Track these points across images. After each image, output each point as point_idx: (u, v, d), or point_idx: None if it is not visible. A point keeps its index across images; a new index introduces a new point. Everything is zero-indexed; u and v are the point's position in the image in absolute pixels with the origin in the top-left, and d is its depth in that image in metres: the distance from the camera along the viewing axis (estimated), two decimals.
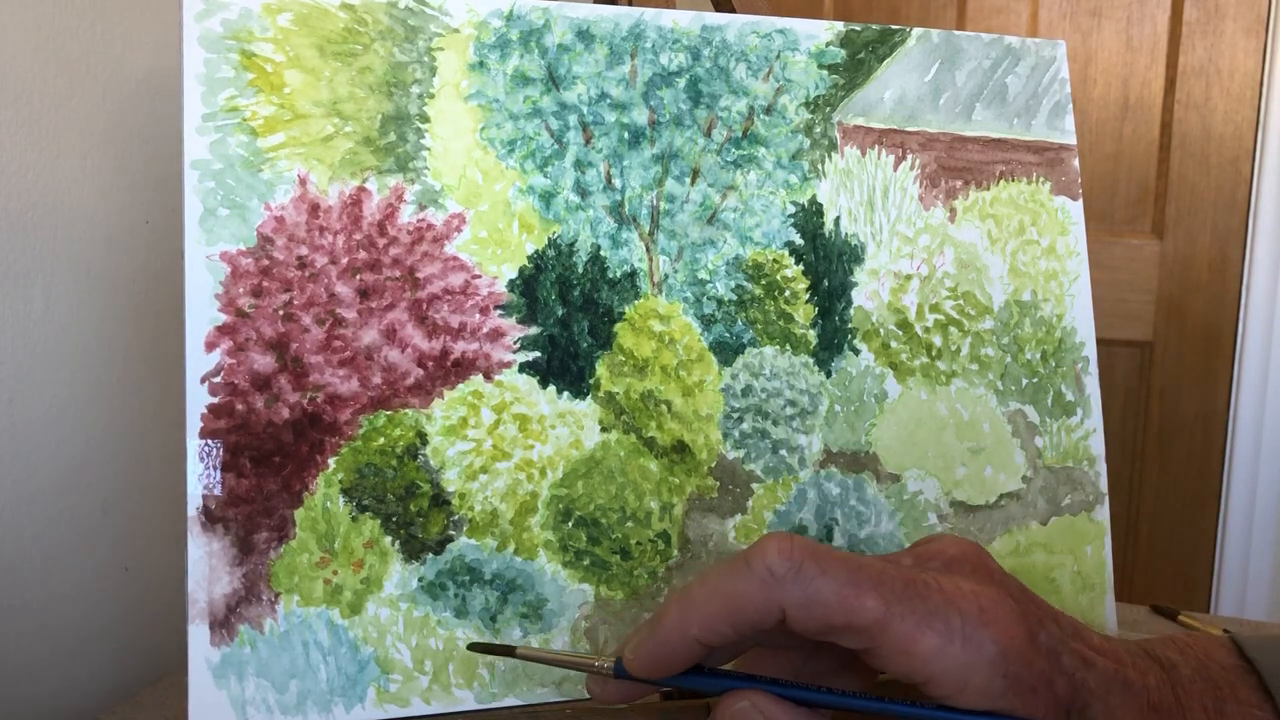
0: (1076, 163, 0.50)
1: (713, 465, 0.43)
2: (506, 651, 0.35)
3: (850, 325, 0.45)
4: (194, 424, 0.37)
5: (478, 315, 0.40)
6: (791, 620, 0.30)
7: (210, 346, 0.37)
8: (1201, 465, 1.55)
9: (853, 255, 0.46)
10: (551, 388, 0.41)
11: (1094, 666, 0.32)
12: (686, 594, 0.31)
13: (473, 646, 0.37)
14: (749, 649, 0.34)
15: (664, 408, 0.42)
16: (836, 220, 0.46)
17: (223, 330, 0.37)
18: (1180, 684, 0.34)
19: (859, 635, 0.30)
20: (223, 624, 0.36)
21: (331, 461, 0.38)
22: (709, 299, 0.43)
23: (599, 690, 0.34)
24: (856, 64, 0.47)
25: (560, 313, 0.41)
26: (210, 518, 0.37)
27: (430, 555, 0.39)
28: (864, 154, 0.46)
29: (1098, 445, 0.48)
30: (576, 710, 0.38)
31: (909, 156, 0.47)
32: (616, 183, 0.43)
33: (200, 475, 0.37)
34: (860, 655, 0.31)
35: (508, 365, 0.41)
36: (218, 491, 0.37)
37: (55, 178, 0.51)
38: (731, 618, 0.30)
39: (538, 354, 0.41)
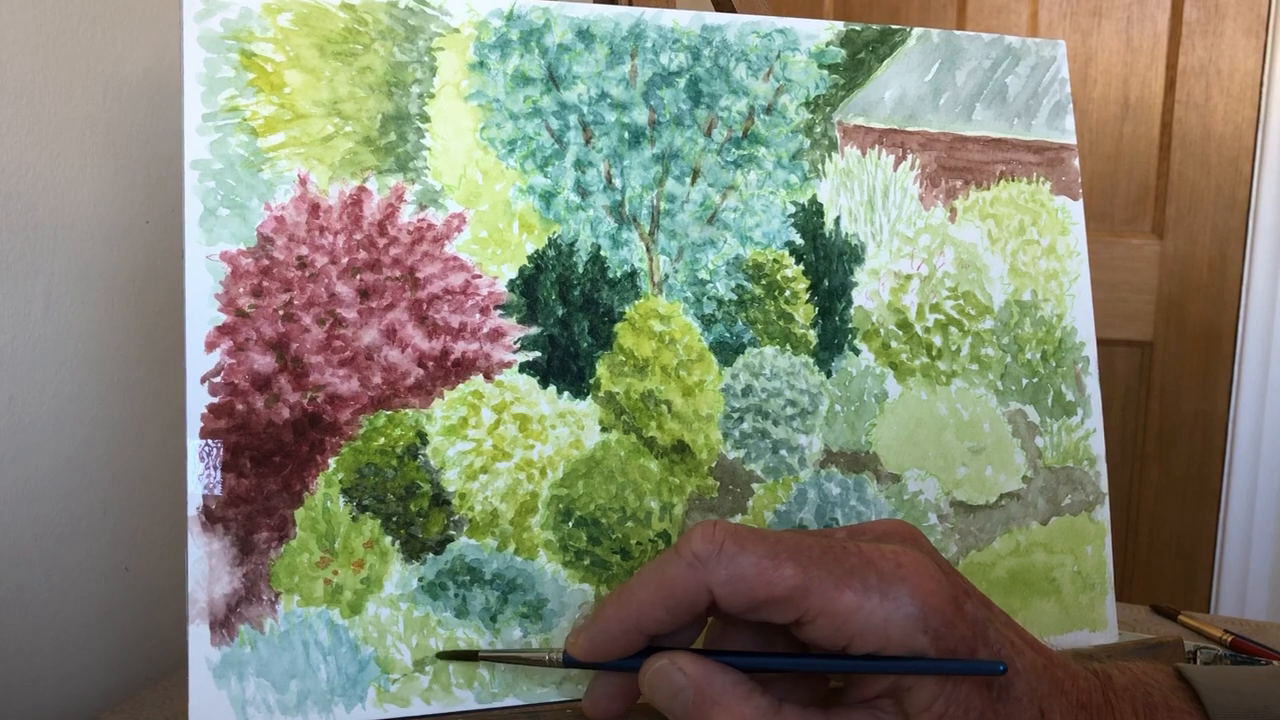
0: (1077, 162, 0.50)
1: (713, 465, 0.43)
2: (471, 656, 0.38)
3: (850, 325, 0.45)
4: (194, 424, 0.37)
5: (478, 315, 0.40)
6: (720, 600, 0.32)
7: (210, 346, 0.37)
8: (1201, 465, 1.55)
9: (853, 255, 0.46)
10: (551, 388, 0.41)
11: (1022, 654, 0.33)
12: (625, 584, 0.33)
13: (441, 655, 0.38)
14: (696, 634, 0.35)
15: (664, 408, 0.42)
16: (837, 220, 0.46)
17: (223, 330, 0.37)
18: (1113, 689, 0.35)
19: (783, 606, 0.31)
20: (223, 624, 0.36)
21: (331, 461, 0.38)
22: (709, 299, 0.43)
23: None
24: (856, 64, 0.47)
25: (560, 313, 0.41)
26: (210, 518, 0.37)
27: (430, 555, 0.39)
28: (864, 154, 0.46)
29: (1098, 445, 0.48)
30: (577, 710, 0.38)
31: (909, 156, 0.47)
32: (617, 183, 0.43)
33: (200, 475, 0.37)
34: (794, 632, 0.32)
35: (508, 365, 0.41)
36: (218, 491, 0.37)
37: (55, 178, 0.51)
38: (664, 601, 0.32)
39: (538, 354, 0.41)
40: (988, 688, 0.32)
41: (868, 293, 0.46)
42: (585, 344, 0.42)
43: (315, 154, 0.39)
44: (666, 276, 0.43)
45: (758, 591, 0.31)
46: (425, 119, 0.41)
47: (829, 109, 0.46)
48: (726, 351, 0.43)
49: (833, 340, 0.45)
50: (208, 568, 0.36)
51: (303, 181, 0.39)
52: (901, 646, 0.31)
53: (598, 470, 0.41)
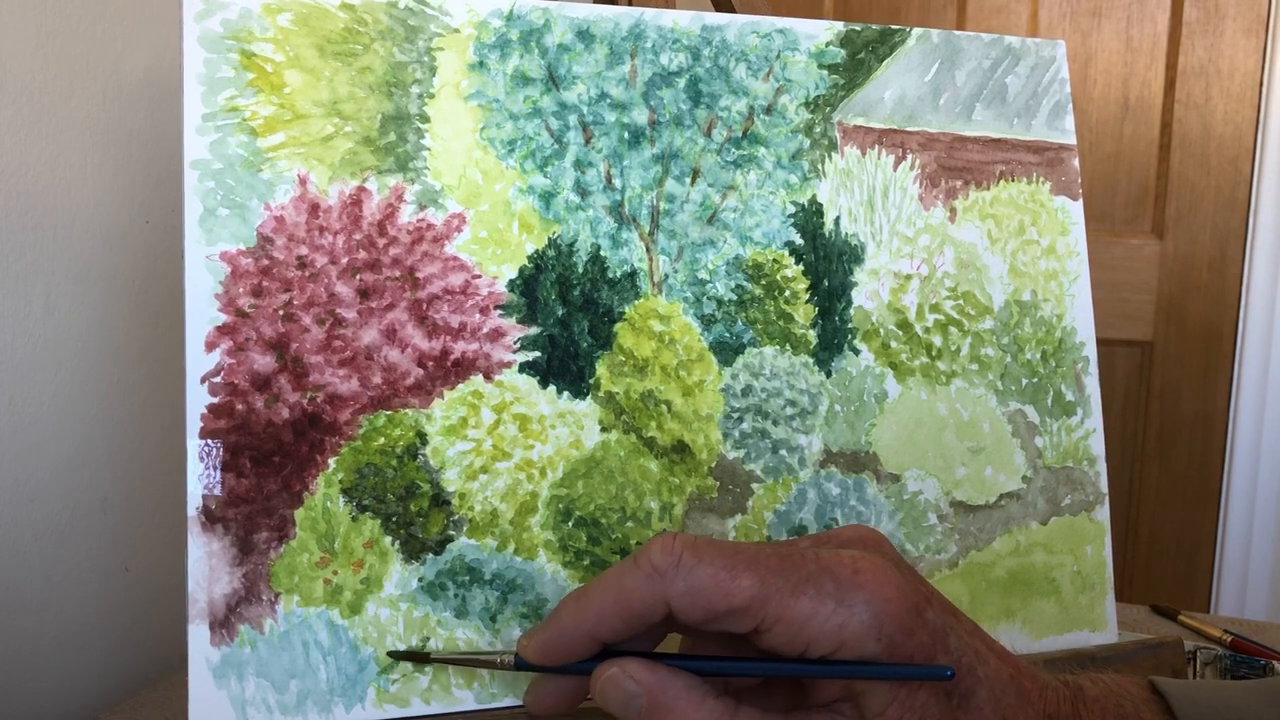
0: (1076, 163, 0.50)
1: (713, 465, 0.43)
2: (423, 658, 0.37)
3: (850, 325, 0.45)
4: (194, 424, 0.37)
5: (478, 315, 0.40)
6: (677, 612, 0.32)
7: (210, 346, 0.37)
8: (1201, 465, 1.55)
9: (853, 255, 0.46)
10: (551, 388, 0.41)
11: (986, 663, 0.33)
12: (583, 591, 0.33)
13: (391, 654, 0.37)
14: (654, 642, 0.35)
15: (664, 408, 0.42)
16: (836, 220, 0.46)
17: (223, 330, 0.37)
18: (1083, 701, 0.34)
19: (741, 616, 0.31)
20: (223, 624, 0.36)
21: (331, 461, 0.38)
22: (709, 299, 0.43)
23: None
24: (856, 64, 0.47)
25: (560, 313, 0.41)
26: (210, 518, 0.37)
27: (430, 555, 0.39)
28: (864, 154, 0.46)
29: (1098, 445, 0.48)
30: (576, 712, 0.38)
31: (909, 156, 0.47)
32: (616, 183, 0.43)
33: (200, 475, 0.37)
34: (753, 640, 0.32)
35: (508, 365, 0.41)
36: (218, 491, 0.37)
37: (55, 178, 0.51)
38: (620, 612, 0.32)
39: (538, 354, 0.41)
40: (947, 695, 0.32)
41: (867, 293, 0.46)
42: (585, 344, 0.42)
43: (315, 154, 0.39)
44: (666, 276, 0.43)
45: (715, 603, 0.31)
46: (425, 119, 0.41)
47: (829, 109, 0.46)
48: (726, 351, 0.43)
49: (832, 340, 0.45)
50: (208, 568, 0.36)
51: (302, 181, 0.39)
52: (854, 652, 0.31)
53: (597, 470, 0.41)
